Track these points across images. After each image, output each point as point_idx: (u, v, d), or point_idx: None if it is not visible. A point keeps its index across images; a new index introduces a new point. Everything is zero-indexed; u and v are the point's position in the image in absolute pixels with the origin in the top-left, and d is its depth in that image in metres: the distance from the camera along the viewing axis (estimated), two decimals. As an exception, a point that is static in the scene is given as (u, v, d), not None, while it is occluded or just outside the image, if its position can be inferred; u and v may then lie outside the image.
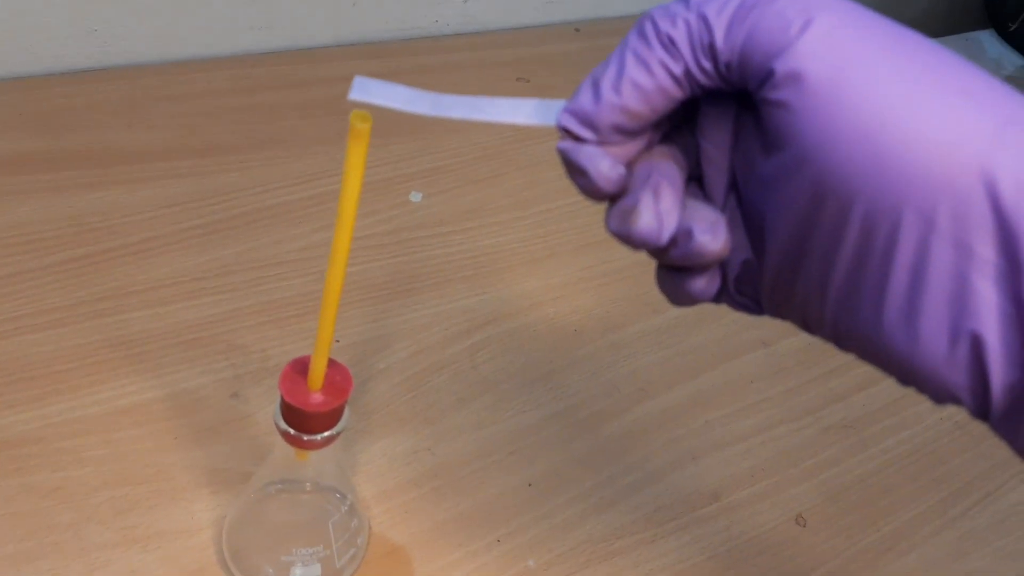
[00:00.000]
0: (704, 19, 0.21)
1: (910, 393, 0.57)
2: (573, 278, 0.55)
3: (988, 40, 0.97)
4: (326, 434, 0.31)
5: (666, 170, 0.23)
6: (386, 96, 0.23)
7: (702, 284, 0.24)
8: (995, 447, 0.51)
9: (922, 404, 0.52)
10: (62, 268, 0.47)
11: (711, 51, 0.21)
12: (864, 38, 0.20)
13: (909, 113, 0.19)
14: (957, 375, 0.20)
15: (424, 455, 0.43)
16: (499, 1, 0.76)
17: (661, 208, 0.22)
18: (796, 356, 0.53)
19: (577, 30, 0.80)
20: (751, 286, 0.24)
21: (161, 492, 0.39)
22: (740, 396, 0.50)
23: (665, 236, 0.22)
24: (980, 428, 0.52)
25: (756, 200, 0.22)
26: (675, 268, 0.24)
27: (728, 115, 0.23)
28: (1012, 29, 0.92)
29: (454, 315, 0.50)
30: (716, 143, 0.23)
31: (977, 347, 0.19)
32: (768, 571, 0.42)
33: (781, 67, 0.20)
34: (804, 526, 0.44)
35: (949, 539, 0.46)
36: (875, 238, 0.20)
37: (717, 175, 0.24)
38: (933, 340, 0.20)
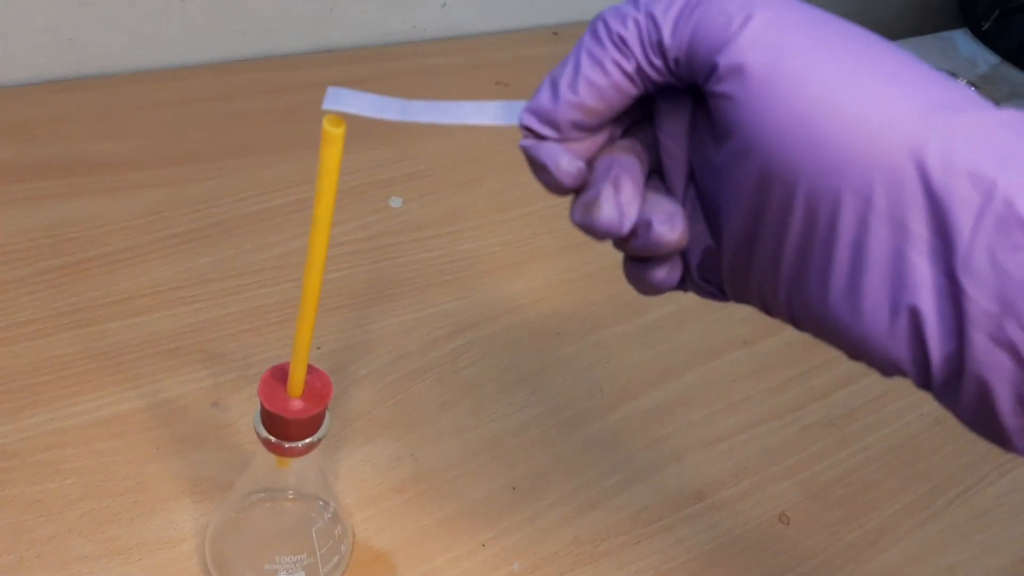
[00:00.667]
0: (652, 18, 0.22)
1: (890, 390, 0.57)
2: (554, 280, 0.55)
3: (962, 39, 0.98)
4: (307, 441, 0.31)
5: (626, 163, 0.24)
6: (357, 104, 0.24)
7: (663, 273, 0.25)
8: (974, 442, 0.51)
9: (902, 400, 0.53)
10: (38, 279, 0.46)
11: (660, 48, 0.22)
12: (801, 30, 0.21)
13: (844, 98, 0.20)
14: (899, 348, 0.21)
15: (407, 460, 0.43)
16: (477, 5, 0.76)
17: (621, 200, 0.23)
18: (777, 354, 0.54)
19: (555, 33, 0.81)
20: (714, 273, 0.25)
21: (143, 503, 0.38)
22: (723, 395, 0.50)
23: (626, 226, 0.23)
24: (959, 423, 0.52)
25: (711, 189, 0.23)
26: (639, 259, 0.25)
27: (684, 109, 0.24)
28: (985, 28, 0.93)
29: (436, 320, 0.50)
30: (673, 137, 0.24)
31: (916, 320, 0.20)
32: (753, 569, 0.42)
33: (724, 60, 0.21)
34: (788, 524, 0.45)
35: (931, 533, 0.46)
36: (817, 219, 0.21)
37: (676, 167, 0.25)
38: (875, 315, 0.21)
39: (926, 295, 0.20)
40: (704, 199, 0.24)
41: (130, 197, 0.52)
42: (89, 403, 0.41)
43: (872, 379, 0.54)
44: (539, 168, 0.23)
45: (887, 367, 0.22)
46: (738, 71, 0.21)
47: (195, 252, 0.50)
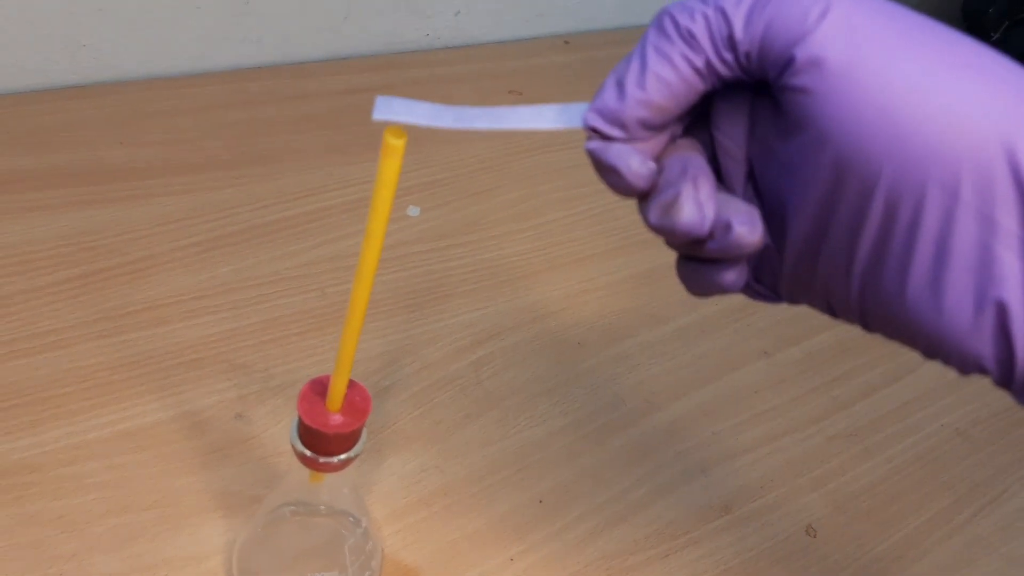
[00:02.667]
0: (723, 12, 0.21)
1: (912, 400, 0.57)
2: (574, 290, 0.54)
3: (968, 49, 0.98)
4: (343, 456, 0.30)
5: (698, 163, 0.23)
6: (409, 113, 0.23)
7: (733, 276, 0.24)
8: (996, 453, 0.51)
9: (924, 411, 0.53)
10: (56, 289, 0.46)
11: (731, 43, 0.22)
12: (879, 23, 0.21)
13: (929, 91, 0.20)
14: (983, 344, 0.21)
15: (433, 473, 0.42)
16: (489, 14, 0.76)
17: (701, 199, 0.22)
18: (798, 365, 0.53)
19: (567, 42, 0.80)
20: (770, 275, 0.25)
21: (167, 518, 0.38)
22: (745, 406, 0.50)
23: (707, 226, 0.22)
24: (982, 433, 0.52)
25: (776, 186, 0.23)
26: (703, 260, 0.24)
27: (742, 108, 0.24)
28: (995, 38, 0.93)
29: (457, 330, 0.50)
30: (732, 136, 0.24)
31: (1002, 315, 0.20)
32: (782, 583, 0.42)
33: (801, 54, 0.21)
34: (815, 536, 0.44)
35: (957, 546, 0.46)
36: (899, 213, 0.20)
37: (735, 167, 0.24)
38: (958, 310, 0.20)
39: (1015, 289, 0.20)
40: (766, 197, 0.24)
41: (148, 205, 0.52)
42: (111, 415, 0.41)
43: (893, 389, 0.53)
44: (608, 171, 0.23)
45: (967, 364, 0.21)
46: (817, 64, 0.20)
47: (216, 261, 0.49)
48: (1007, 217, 0.19)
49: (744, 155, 0.24)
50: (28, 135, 0.54)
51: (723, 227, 0.22)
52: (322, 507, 0.35)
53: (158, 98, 0.60)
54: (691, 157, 0.23)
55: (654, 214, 0.23)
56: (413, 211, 0.57)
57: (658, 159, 0.23)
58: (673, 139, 0.24)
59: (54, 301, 0.45)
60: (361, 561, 0.35)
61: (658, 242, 0.28)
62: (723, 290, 0.24)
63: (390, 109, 0.23)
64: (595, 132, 0.23)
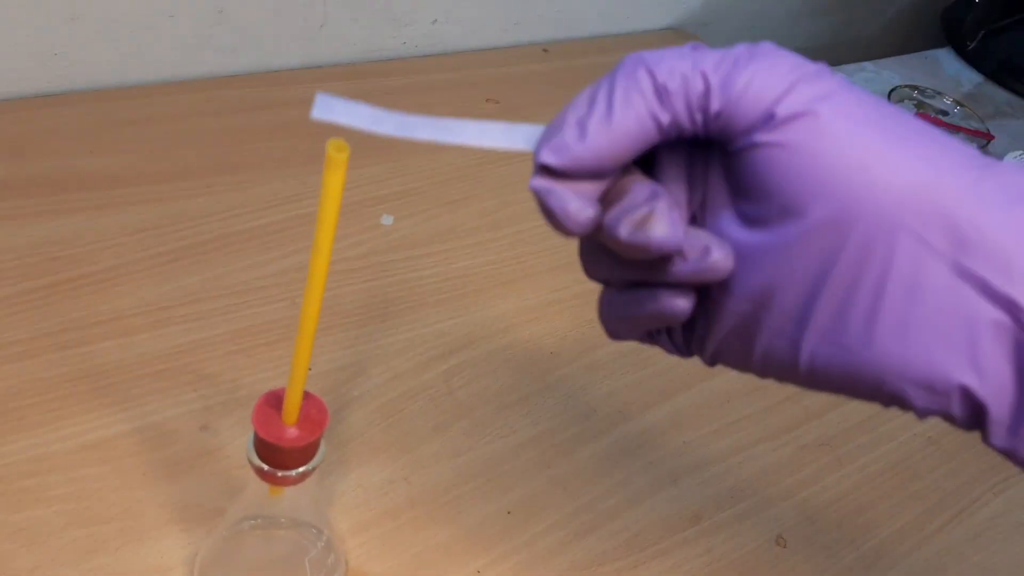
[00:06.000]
0: (702, 74, 0.22)
1: (883, 409, 0.57)
2: (547, 300, 0.54)
3: (946, 58, 0.99)
4: (301, 470, 0.30)
5: (663, 190, 0.23)
6: (350, 115, 0.22)
7: (685, 302, 0.24)
8: (968, 462, 0.51)
9: (895, 420, 0.53)
10: (23, 299, 0.45)
11: (703, 103, 0.22)
12: (852, 92, 0.22)
13: (899, 152, 0.21)
14: (951, 388, 0.21)
15: (400, 485, 0.42)
16: (467, 22, 0.76)
17: (674, 217, 0.22)
18: (771, 374, 0.53)
19: (545, 50, 0.80)
20: (686, 332, 0.25)
21: (129, 531, 0.37)
22: (717, 416, 0.50)
23: (679, 243, 0.22)
24: (952, 443, 0.52)
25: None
26: (654, 286, 0.24)
27: (683, 160, 0.24)
28: (971, 48, 0.94)
29: (429, 339, 0.50)
30: (676, 183, 0.24)
31: (974, 351, 0.21)
32: (750, 594, 0.42)
33: (784, 109, 0.21)
34: (785, 547, 0.44)
35: (927, 555, 0.46)
36: (871, 260, 0.21)
37: (680, 212, 0.24)
38: (929, 352, 0.21)
39: (986, 328, 0.20)
40: None
41: (118, 214, 0.51)
42: (75, 427, 0.40)
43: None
44: (552, 214, 0.23)
45: (932, 406, 0.21)
46: (801, 117, 0.21)
47: (185, 270, 0.49)
48: (972, 260, 0.21)
49: (687, 203, 0.24)
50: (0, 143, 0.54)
51: (701, 250, 0.23)
52: (283, 519, 0.35)
53: (131, 107, 0.60)
54: (655, 185, 0.24)
55: (625, 229, 0.22)
56: (386, 220, 0.56)
57: (601, 198, 0.23)
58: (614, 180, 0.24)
59: (19, 311, 0.45)
60: (323, 574, 0.35)
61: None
62: (664, 319, 0.24)
63: (330, 109, 0.22)
64: (545, 169, 0.23)
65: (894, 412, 0.54)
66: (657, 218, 0.22)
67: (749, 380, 0.53)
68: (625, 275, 0.24)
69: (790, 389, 0.52)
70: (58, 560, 0.36)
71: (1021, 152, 0.80)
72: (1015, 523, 0.49)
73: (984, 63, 0.97)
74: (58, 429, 0.40)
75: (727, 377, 0.52)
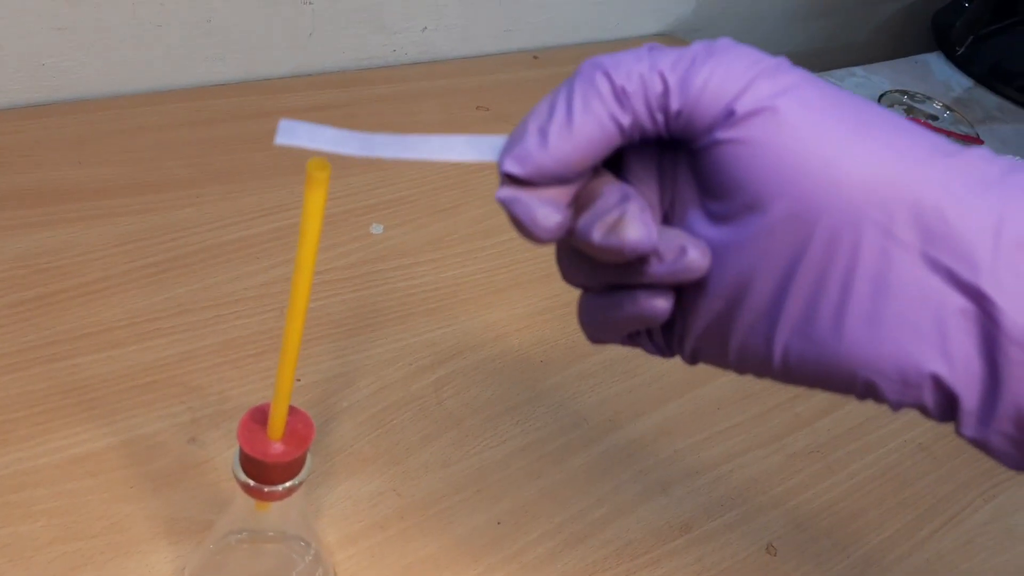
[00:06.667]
0: (660, 74, 0.22)
1: (873, 416, 0.57)
2: (537, 308, 0.54)
3: (936, 63, 0.99)
4: (287, 484, 0.30)
5: (634, 191, 0.24)
6: (313, 138, 0.22)
7: (664, 303, 0.24)
8: (957, 468, 0.52)
9: (885, 427, 0.53)
10: (9, 311, 0.45)
11: (663, 103, 0.22)
12: (814, 84, 0.22)
13: (861, 142, 0.21)
14: (922, 377, 0.21)
15: (390, 496, 0.42)
16: (457, 30, 0.76)
17: (646, 218, 0.22)
18: (760, 382, 0.53)
19: (535, 57, 0.81)
20: (667, 330, 0.25)
21: (117, 545, 0.37)
22: (707, 424, 0.50)
23: (653, 244, 0.22)
24: (942, 449, 0.53)
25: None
26: (631, 288, 0.24)
27: (652, 160, 0.24)
28: (960, 53, 0.94)
29: (418, 349, 0.50)
30: (647, 184, 0.24)
31: (944, 342, 0.21)
32: (741, 603, 0.42)
33: (743, 106, 0.21)
34: (775, 555, 0.44)
35: (917, 563, 0.46)
36: (837, 253, 0.21)
37: (652, 213, 0.24)
38: (898, 342, 0.21)
39: (954, 318, 0.20)
40: None
41: (106, 225, 0.51)
42: (61, 441, 0.40)
43: (855, 406, 0.54)
44: (520, 223, 0.23)
45: (905, 398, 0.21)
46: (761, 113, 0.21)
47: (172, 282, 0.49)
48: (938, 250, 0.21)
49: (659, 203, 0.24)
50: (-15, 155, 0.54)
51: (677, 250, 0.22)
52: (271, 533, 0.35)
53: (119, 117, 0.60)
54: (626, 187, 0.24)
55: (598, 233, 0.22)
56: (376, 229, 0.56)
57: (570, 203, 0.23)
58: (583, 184, 0.24)
59: (5, 324, 0.44)
60: (311, 588, 0.35)
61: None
62: (644, 320, 0.24)
63: (293, 134, 0.22)
64: (510, 178, 0.23)
65: (884, 419, 0.54)
66: (629, 220, 0.22)
67: (739, 388, 0.53)
68: (602, 279, 0.24)
69: (780, 397, 0.53)
70: (45, 575, 0.36)
71: (1011, 157, 0.80)
72: (1005, 529, 0.49)
73: (974, 68, 0.97)
74: (45, 443, 0.40)
75: (717, 385, 0.52)
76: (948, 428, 0.54)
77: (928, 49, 1.01)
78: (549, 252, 0.59)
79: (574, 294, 0.55)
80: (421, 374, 0.48)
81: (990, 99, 0.96)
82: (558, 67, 0.80)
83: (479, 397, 0.48)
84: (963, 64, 0.97)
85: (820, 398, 0.53)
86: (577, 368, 0.51)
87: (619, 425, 0.49)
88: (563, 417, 0.48)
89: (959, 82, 0.97)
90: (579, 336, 0.53)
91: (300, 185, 0.58)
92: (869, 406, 0.54)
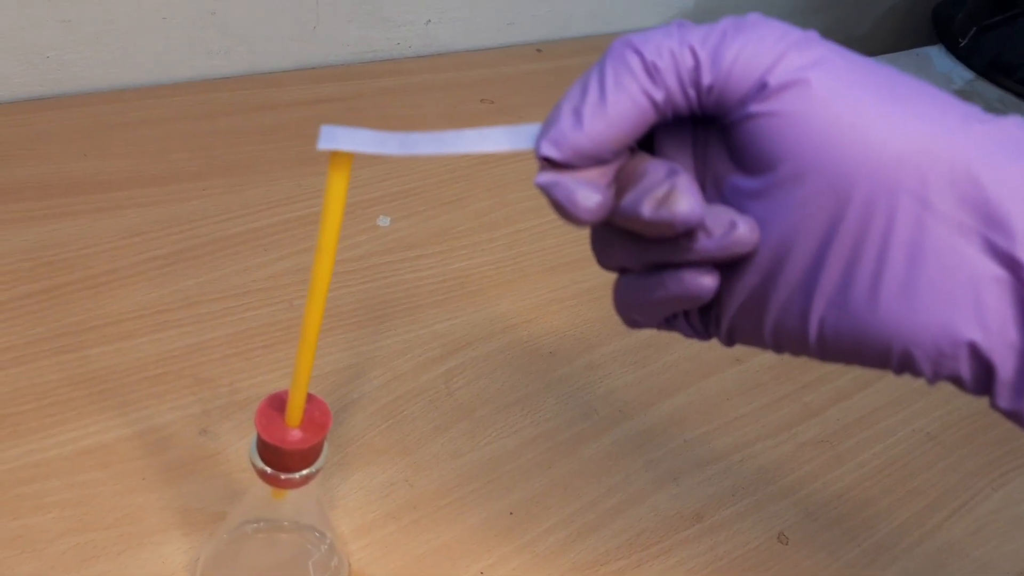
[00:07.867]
0: (690, 48, 0.22)
1: (883, 405, 0.57)
2: (545, 299, 0.54)
3: (937, 55, 0.99)
4: (305, 472, 0.30)
5: (678, 167, 0.23)
6: (353, 141, 0.23)
7: (710, 280, 0.23)
8: (966, 456, 0.52)
9: (894, 416, 0.53)
10: (17, 304, 0.45)
11: (695, 77, 0.22)
12: (842, 55, 0.22)
13: (893, 111, 0.21)
14: (959, 347, 0.21)
15: (402, 486, 0.42)
16: (461, 23, 0.76)
17: (695, 191, 0.22)
18: (769, 372, 0.53)
19: (539, 50, 0.80)
20: (703, 311, 0.25)
21: (129, 536, 0.37)
22: (717, 414, 0.50)
23: (702, 217, 0.22)
24: (952, 438, 0.53)
25: None
26: (677, 266, 0.24)
27: (686, 136, 0.24)
28: (962, 45, 0.94)
29: (427, 340, 0.49)
30: (683, 163, 0.24)
31: (980, 312, 0.21)
32: (753, 591, 0.42)
33: (775, 79, 0.21)
34: (787, 544, 0.44)
35: (929, 551, 0.46)
36: (872, 223, 0.21)
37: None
38: (934, 313, 0.21)
39: (989, 286, 0.20)
40: None
41: (112, 218, 0.51)
42: (72, 432, 0.40)
43: (864, 395, 0.54)
44: (562, 206, 0.23)
45: (941, 368, 0.21)
46: (793, 86, 0.21)
47: (180, 274, 0.49)
48: (971, 218, 0.21)
49: (695, 180, 0.24)
50: (-10, 148, 0.54)
51: (727, 225, 0.22)
52: (285, 523, 0.34)
53: (124, 110, 0.59)
54: (672, 163, 0.23)
55: (648, 207, 0.22)
56: (383, 221, 0.56)
57: (610, 184, 0.23)
58: (621, 165, 0.24)
59: (14, 317, 0.44)
60: (326, 577, 0.35)
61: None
62: (689, 300, 0.24)
63: (334, 139, 0.23)
64: (548, 162, 0.22)
65: (894, 408, 0.54)
66: (680, 193, 0.22)
67: (747, 378, 0.53)
68: (645, 258, 0.24)
69: (788, 387, 0.53)
70: (58, 567, 0.35)
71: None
72: (1015, 517, 0.49)
73: (975, 60, 0.97)
74: (56, 435, 0.40)
75: (726, 375, 0.52)
76: (956, 416, 0.54)
77: (929, 41, 1.01)
78: (556, 244, 0.60)
79: (582, 286, 0.56)
80: (431, 365, 0.48)
81: (992, 91, 0.96)
82: (561, 60, 0.80)
83: (489, 388, 0.48)
84: (965, 56, 0.97)
85: (828, 387, 0.53)
86: (586, 359, 0.51)
87: (629, 415, 0.48)
88: (573, 408, 0.48)
89: (960, 74, 0.97)
90: (588, 327, 0.53)
91: (305, 177, 0.58)
92: (877, 395, 0.54)
